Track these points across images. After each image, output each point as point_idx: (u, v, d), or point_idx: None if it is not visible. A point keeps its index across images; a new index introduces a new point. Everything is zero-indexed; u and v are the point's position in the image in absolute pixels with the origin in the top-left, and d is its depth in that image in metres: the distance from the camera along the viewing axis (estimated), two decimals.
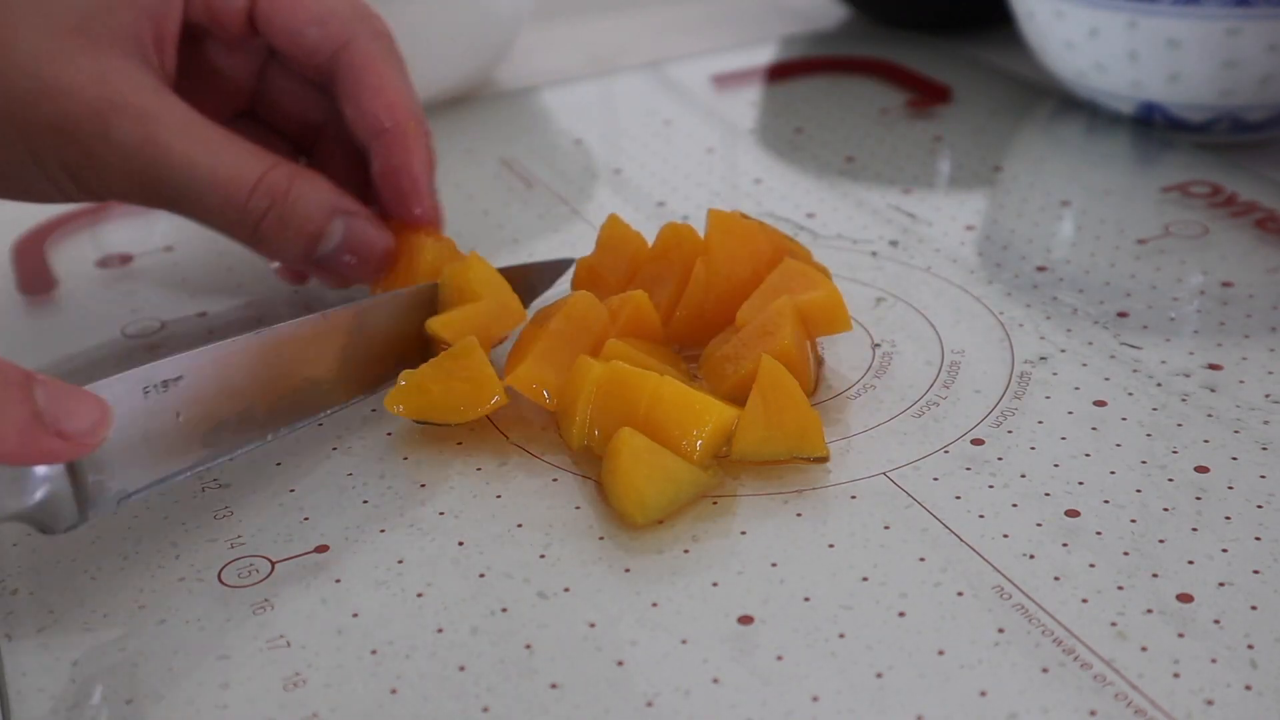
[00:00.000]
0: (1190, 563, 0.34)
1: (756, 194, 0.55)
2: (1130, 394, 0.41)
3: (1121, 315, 0.45)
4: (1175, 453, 0.38)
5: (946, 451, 0.38)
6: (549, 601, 0.34)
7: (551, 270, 0.47)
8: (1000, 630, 0.32)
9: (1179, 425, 0.39)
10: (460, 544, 0.36)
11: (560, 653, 0.32)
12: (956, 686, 0.30)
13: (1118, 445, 0.38)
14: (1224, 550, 0.34)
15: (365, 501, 0.38)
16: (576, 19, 0.78)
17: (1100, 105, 0.59)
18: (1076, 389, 0.41)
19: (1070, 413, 0.40)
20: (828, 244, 0.51)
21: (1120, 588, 0.33)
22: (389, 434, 0.40)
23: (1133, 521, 0.35)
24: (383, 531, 0.36)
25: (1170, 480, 0.37)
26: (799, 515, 0.36)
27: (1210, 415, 0.39)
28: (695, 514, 0.36)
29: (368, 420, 0.41)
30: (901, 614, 0.33)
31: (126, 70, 0.40)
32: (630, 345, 0.40)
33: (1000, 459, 0.38)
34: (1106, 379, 0.41)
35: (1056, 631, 0.32)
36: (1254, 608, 0.32)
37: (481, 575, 0.35)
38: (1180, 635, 0.32)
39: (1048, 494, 0.36)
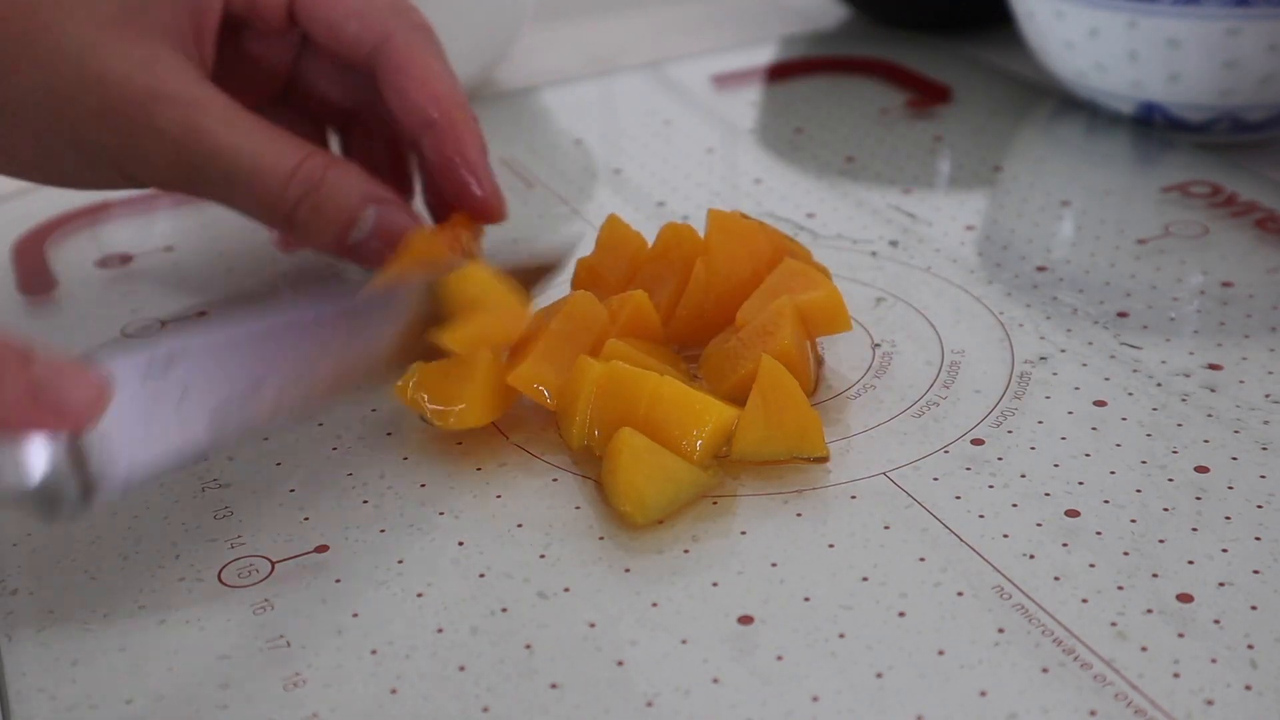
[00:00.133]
0: (1190, 563, 0.34)
1: (756, 194, 0.55)
2: (1130, 394, 0.41)
3: (1121, 315, 0.45)
4: (1175, 453, 0.38)
5: (946, 451, 0.38)
6: (549, 601, 0.34)
7: (548, 265, 0.47)
8: (1000, 630, 0.32)
9: (1179, 425, 0.39)
10: (460, 544, 0.36)
11: (560, 653, 0.32)
12: (956, 686, 0.30)
13: (1118, 445, 0.38)
14: (1224, 550, 0.34)
15: (365, 501, 0.38)
16: (576, 19, 0.78)
17: (1100, 105, 0.59)
18: (1076, 389, 0.41)
19: (1070, 413, 0.40)
20: (828, 244, 0.51)
21: (1120, 588, 0.33)
22: (389, 434, 0.40)
23: (1133, 521, 0.35)
24: (383, 531, 0.36)
25: (1170, 480, 0.37)
26: (799, 515, 0.36)
27: (1210, 415, 0.39)
28: (695, 514, 0.36)
29: (368, 420, 0.41)
30: (901, 614, 0.33)
31: (169, 60, 0.41)
32: (630, 345, 0.40)
33: (1000, 459, 0.38)
34: (1106, 379, 0.41)
35: (1056, 631, 0.32)
36: (1254, 608, 0.32)
37: (481, 575, 0.35)
38: (1180, 635, 0.32)
39: (1048, 494, 0.36)
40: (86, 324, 0.48)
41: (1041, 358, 0.43)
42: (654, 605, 0.33)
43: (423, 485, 0.38)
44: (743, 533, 0.35)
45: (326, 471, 0.39)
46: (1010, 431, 0.39)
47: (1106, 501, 0.36)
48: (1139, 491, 0.36)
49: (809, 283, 0.41)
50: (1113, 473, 0.37)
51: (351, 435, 0.40)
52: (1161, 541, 0.35)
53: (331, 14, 0.44)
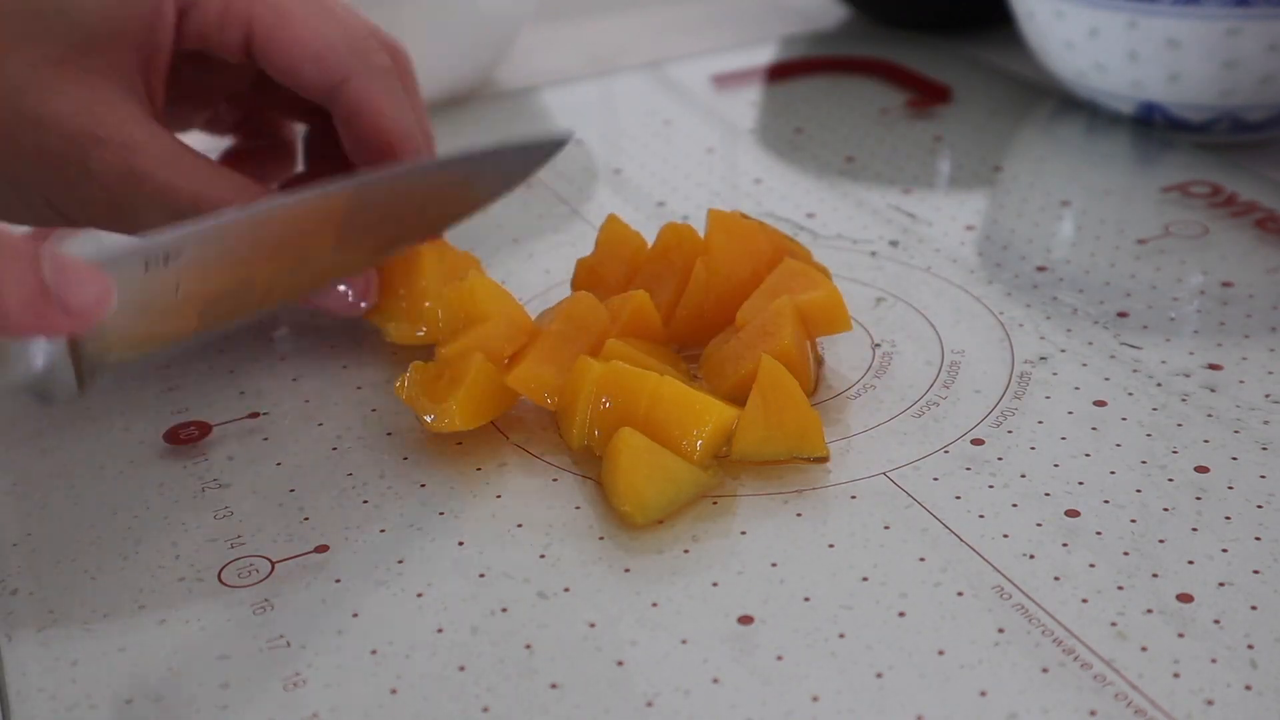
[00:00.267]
0: (1190, 563, 0.34)
1: (756, 194, 0.55)
2: (1130, 394, 0.41)
3: (1121, 315, 0.45)
4: (1175, 453, 0.38)
5: (946, 451, 0.38)
6: (549, 601, 0.34)
7: (538, 150, 0.46)
8: (1000, 630, 0.32)
9: (1179, 425, 0.39)
10: (460, 544, 0.36)
11: (560, 653, 0.32)
12: (956, 686, 0.30)
13: (1118, 445, 0.38)
14: (1224, 550, 0.34)
15: (365, 501, 0.38)
16: (576, 19, 0.78)
17: (1100, 105, 0.59)
18: (1076, 389, 0.41)
19: (1070, 413, 0.40)
20: (828, 244, 0.51)
21: (1120, 588, 0.33)
22: (389, 434, 0.40)
23: (1133, 521, 0.35)
24: (383, 531, 0.36)
25: (1170, 480, 0.37)
26: (799, 515, 0.36)
27: (1210, 415, 0.39)
28: (695, 514, 0.36)
29: (368, 420, 0.41)
30: (901, 614, 0.33)
31: (111, 101, 0.40)
32: (630, 345, 0.40)
33: (1000, 459, 0.38)
34: (1106, 379, 0.41)
35: (1056, 631, 0.32)
36: (1254, 608, 0.32)
37: (481, 575, 0.35)
38: (1180, 635, 0.32)
39: (1048, 494, 0.36)
40: None
41: (1041, 358, 0.43)
42: (654, 605, 0.33)
43: (423, 485, 0.38)
44: (743, 533, 0.35)
45: (326, 471, 0.39)
46: (1010, 431, 0.39)
47: (1106, 501, 0.36)
48: (1139, 491, 0.36)
49: (809, 283, 0.41)
50: (1113, 473, 0.37)
51: (351, 435, 0.40)
52: (1161, 541, 0.35)
53: (288, 56, 0.43)
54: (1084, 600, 0.33)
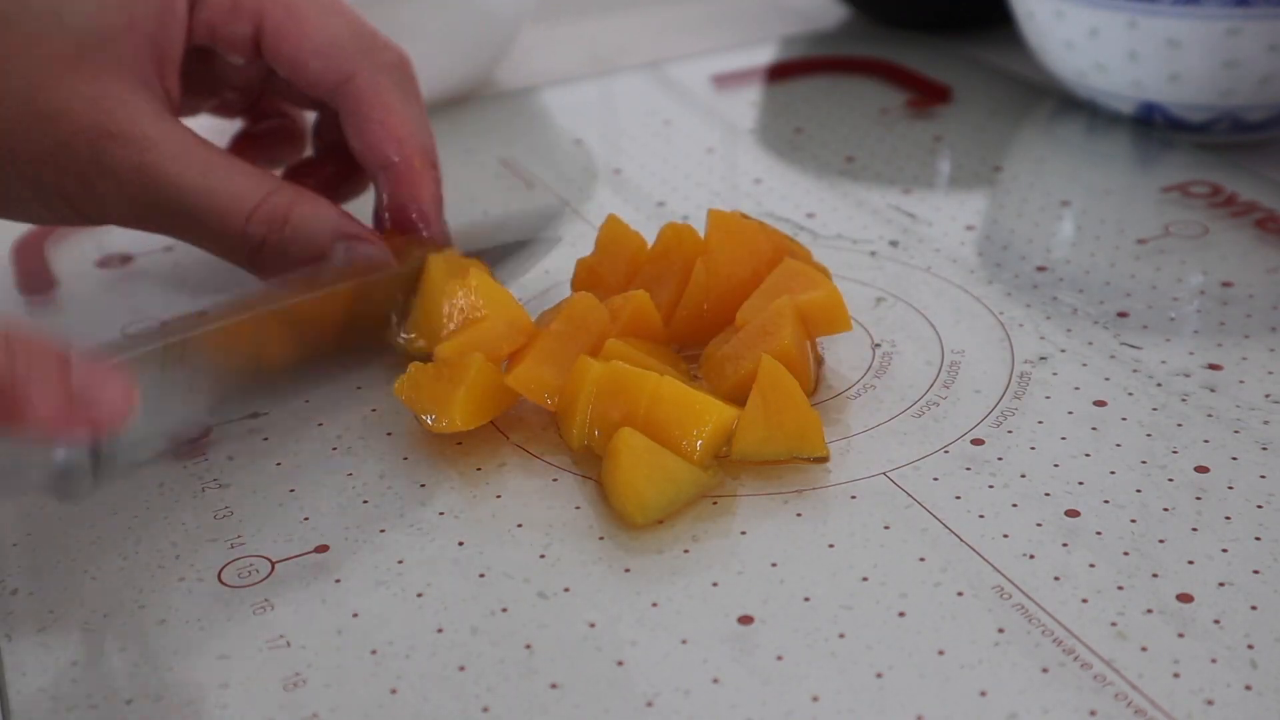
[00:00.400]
0: (1190, 563, 0.34)
1: (756, 194, 0.55)
2: (1130, 394, 0.41)
3: (1121, 315, 0.45)
4: (1175, 453, 0.38)
5: (946, 451, 0.38)
6: (549, 601, 0.34)
7: (531, 240, 0.47)
8: (1000, 630, 0.32)
9: (1179, 425, 0.39)
10: (460, 544, 0.36)
11: (560, 653, 0.32)
12: (956, 686, 0.30)
13: (1118, 445, 0.38)
14: (1224, 550, 0.34)
15: (365, 501, 0.38)
16: (576, 19, 0.78)
17: (1100, 105, 0.59)
18: (1076, 389, 0.41)
19: (1070, 413, 0.40)
20: (828, 244, 0.51)
21: (1120, 588, 0.33)
22: (389, 434, 0.40)
23: (1133, 521, 0.35)
24: (383, 531, 0.36)
25: (1170, 480, 0.37)
26: (799, 515, 0.36)
27: (1210, 415, 0.39)
28: (695, 514, 0.36)
29: (368, 420, 0.41)
30: (901, 614, 0.33)
31: (123, 96, 0.40)
32: (630, 345, 0.40)
33: (1000, 459, 0.38)
34: (1106, 379, 0.41)
35: (1056, 631, 0.32)
36: (1254, 608, 0.32)
37: (481, 575, 0.35)
38: (1180, 635, 0.32)
39: (1048, 494, 0.36)
40: (86, 324, 0.48)
41: (1041, 358, 0.43)
42: (654, 605, 0.33)
43: (423, 485, 0.38)
44: (743, 533, 0.35)
45: (326, 471, 0.39)
46: (1010, 431, 0.39)
47: (1106, 501, 0.36)
48: (1139, 491, 0.36)
49: (809, 283, 0.41)
50: (1113, 473, 0.37)
51: (351, 435, 0.40)
52: (1161, 541, 0.35)
53: (297, 51, 0.43)
54: (1084, 600, 0.33)
